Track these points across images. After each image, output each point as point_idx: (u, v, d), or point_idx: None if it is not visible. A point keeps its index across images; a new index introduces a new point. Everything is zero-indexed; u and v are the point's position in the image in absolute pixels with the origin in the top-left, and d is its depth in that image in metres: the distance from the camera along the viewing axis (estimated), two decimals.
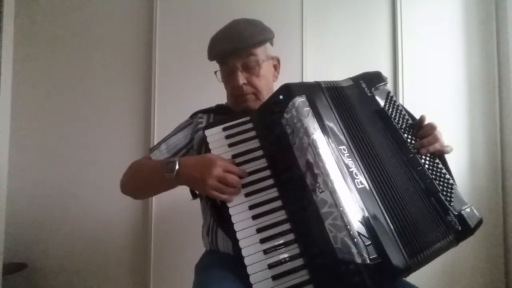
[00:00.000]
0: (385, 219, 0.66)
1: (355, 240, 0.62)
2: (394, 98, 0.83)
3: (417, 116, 0.83)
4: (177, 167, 0.77)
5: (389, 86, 1.57)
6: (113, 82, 1.59)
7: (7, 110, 1.55)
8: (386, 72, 1.61)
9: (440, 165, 0.77)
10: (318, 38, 1.60)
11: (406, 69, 1.60)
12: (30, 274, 1.50)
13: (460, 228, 0.69)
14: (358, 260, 0.61)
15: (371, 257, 0.61)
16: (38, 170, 1.56)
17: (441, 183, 0.74)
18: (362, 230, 0.63)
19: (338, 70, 1.60)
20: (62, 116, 1.58)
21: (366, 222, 0.64)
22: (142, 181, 0.91)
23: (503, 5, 1.60)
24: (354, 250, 0.61)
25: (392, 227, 0.65)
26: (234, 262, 0.72)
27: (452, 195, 0.73)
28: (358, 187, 0.67)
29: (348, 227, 0.63)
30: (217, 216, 0.85)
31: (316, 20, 1.60)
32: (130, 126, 1.58)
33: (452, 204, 0.71)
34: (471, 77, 1.63)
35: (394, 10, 1.62)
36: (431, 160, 0.77)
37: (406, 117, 0.81)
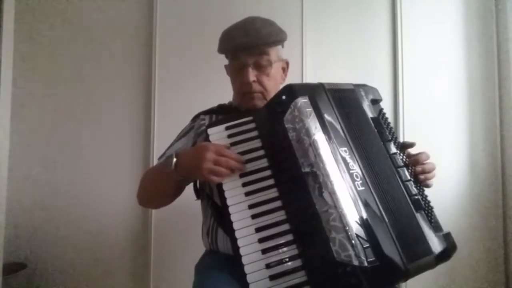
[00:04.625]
0: (385, 222, 0.66)
1: (353, 242, 0.62)
2: (386, 116, 0.85)
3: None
4: (174, 159, 0.78)
5: (389, 86, 1.59)
6: (113, 82, 1.59)
7: (7, 110, 1.55)
8: (386, 72, 1.61)
9: (423, 188, 0.79)
10: (318, 38, 1.60)
11: (406, 69, 1.59)
12: (30, 274, 1.50)
13: (439, 249, 0.69)
14: (355, 263, 0.61)
15: (369, 259, 0.61)
16: (38, 171, 1.56)
17: (424, 203, 0.74)
18: (361, 232, 0.63)
19: (338, 70, 1.60)
20: (62, 116, 1.58)
21: (365, 225, 0.64)
22: (151, 186, 0.92)
23: (503, 5, 1.60)
24: (351, 252, 0.61)
25: (391, 231, 0.65)
26: (234, 263, 0.72)
27: (433, 217, 0.73)
28: (358, 189, 0.68)
29: (347, 228, 0.63)
30: (218, 215, 0.86)
31: (316, 20, 1.60)
32: (130, 127, 1.58)
33: (432, 225, 0.72)
34: (471, 77, 1.63)
35: (394, 10, 1.61)
36: (416, 181, 0.78)
37: (396, 135, 0.82)
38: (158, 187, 0.90)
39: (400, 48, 1.59)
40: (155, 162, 1.50)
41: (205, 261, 0.93)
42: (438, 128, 1.59)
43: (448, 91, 1.62)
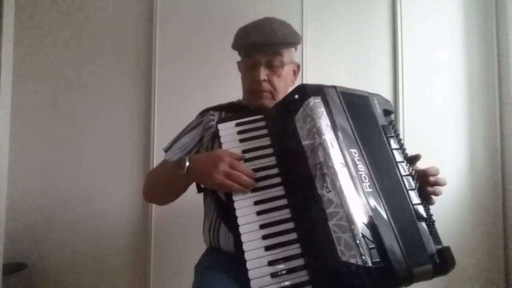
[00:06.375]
0: (391, 225, 0.66)
1: (358, 242, 0.61)
2: (396, 127, 0.85)
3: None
4: (187, 163, 0.78)
5: (389, 86, 1.59)
6: (113, 82, 1.59)
7: (7, 110, 1.55)
8: (386, 72, 1.61)
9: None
10: (318, 38, 1.60)
11: (406, 69, 1.60)
12: (30, 274, 1.50)
13: (438, 261, 0.68)
14: (359, 262, 0.60)
15: (373, 260, 0.60)
16: (38, 170, 1.56)
17: (426, 214, 0.74)
18: (367, 232, 0.62)
19: (338, 70, 1.60)
20: (62, 116, 1.58)
21: (371, 225, 0.63)
22: (159, 184, 0.93)
23: (503, 4, 1.60)
24: (356, 251, 0.61)
25: (397, 234, 0.65)
26: (234, 262, 0.72)
27: (433, 230, 0.73)
28: (366, 190, 0.67)
29: (353, 227, 0.62)
30: (222, 210, 0.86)
31: (316, 20, 1.60)
32: (131, 126, 1.58)
33: (432, 237, 0.71)
34: (471, 76, 1.63)
35: (394, 10, 1.62)
36: (421, 193, 0.77)
37: (404, 147, 0.82)
38: (167, 186, 0.91)
39: (400, 48, 1.60)
40: (155, 161, 1.50)
41: (204, 261, 0.93)
42: (438, 128, 1.60)
43: (448, 91, 1.62)
